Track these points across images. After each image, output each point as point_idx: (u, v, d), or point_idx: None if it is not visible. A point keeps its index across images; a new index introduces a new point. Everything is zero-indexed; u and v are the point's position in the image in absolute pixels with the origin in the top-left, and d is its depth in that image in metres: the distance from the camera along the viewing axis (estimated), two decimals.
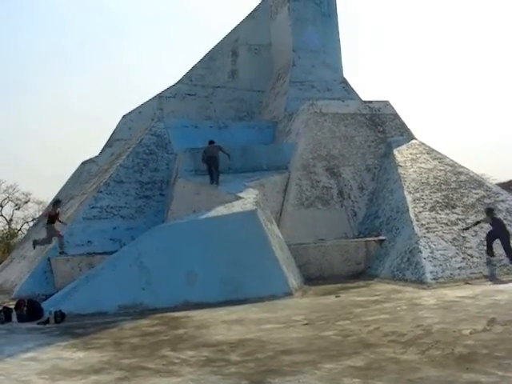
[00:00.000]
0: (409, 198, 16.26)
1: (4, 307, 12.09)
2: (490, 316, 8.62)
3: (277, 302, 11.74)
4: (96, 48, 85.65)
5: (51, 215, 16.48)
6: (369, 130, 20.39)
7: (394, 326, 8.39)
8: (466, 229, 14.77)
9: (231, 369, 6.57)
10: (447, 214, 15.61)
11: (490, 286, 12.08)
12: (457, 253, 13.94)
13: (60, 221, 16.67)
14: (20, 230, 44.11)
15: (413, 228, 14.77)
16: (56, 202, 17.44)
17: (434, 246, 14.01)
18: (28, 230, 33.66)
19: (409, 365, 6.22)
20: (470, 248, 14.19)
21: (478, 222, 14.67)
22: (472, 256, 13.85)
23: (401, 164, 18.42)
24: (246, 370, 6.46)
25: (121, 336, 9.20)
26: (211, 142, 18.33)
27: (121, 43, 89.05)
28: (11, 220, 44.54)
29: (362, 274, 15.52)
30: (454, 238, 14.50)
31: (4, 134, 67.13)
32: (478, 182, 17.61)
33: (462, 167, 18.53)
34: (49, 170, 64.19)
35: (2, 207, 44.21)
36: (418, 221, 15.09)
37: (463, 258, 13.79)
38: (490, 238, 14.07)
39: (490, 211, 14.74)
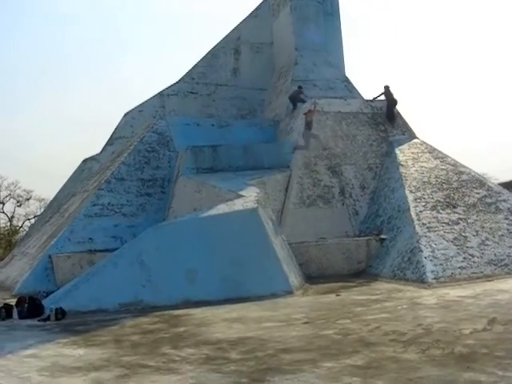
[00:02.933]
0: (410, 197, 16.25)
1: (5, 304, 12.12)
2: (491, 316, 8.62)
3: (277, 301, 11.74)
4: (97, 47, 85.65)
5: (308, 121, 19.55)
6: (371, 128, 20.39)
7: (395, 325, 8.39)
8: (373, 99, 21.32)
9: (231, 367, 6.58)
10: (448, 213, 15.59)
11: (491, 286, 12.06)
12: (458, 252, 13.91)
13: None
14: (21, 227, 44.20)
15: (414, 227, 14.75)
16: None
17: (434, 246, 14.00)
18: (29, 227, 33.69)
19: (409, 364, 6.22)
20: (471, 248, 14.17)
21: (379, 95, 21.16)
22: (473, 256, 13.83)
23: (402, 163, 18.40)
24: (246, 368, 6.47)
25: (121, 333, 9.21)
26: (300, 87, 22.95)
27: (122, 42, 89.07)
28: (13, 217, 44.63)
29: (362, 272, 15.51)
30: (455, 238, 14.48)
31: (5, 131, 67.20)
32: (479, 182, 17.59)
33: (464, 167, 18.50)
34: (51, 168, 64.18)
35: (4, 204, 44.32)
36: (419, 220, 15.08)
37: (464, 258, 13.76)
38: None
39: (386, 87, 21.00)
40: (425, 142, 20.13)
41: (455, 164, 18.60)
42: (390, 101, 21.03)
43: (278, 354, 7.06)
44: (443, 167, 18.27)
